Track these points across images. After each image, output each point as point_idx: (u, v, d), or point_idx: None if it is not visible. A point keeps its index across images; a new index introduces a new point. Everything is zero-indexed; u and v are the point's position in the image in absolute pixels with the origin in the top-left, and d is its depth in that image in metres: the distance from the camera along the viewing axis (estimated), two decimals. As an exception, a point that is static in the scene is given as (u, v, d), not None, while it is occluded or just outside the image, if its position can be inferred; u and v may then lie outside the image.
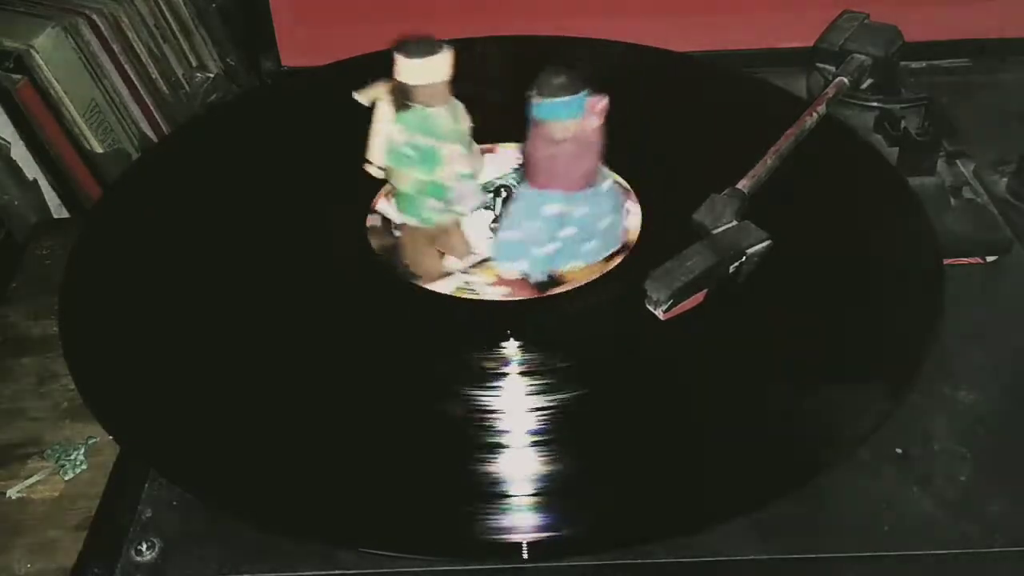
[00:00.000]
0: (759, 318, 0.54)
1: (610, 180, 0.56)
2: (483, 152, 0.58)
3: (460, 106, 0.53)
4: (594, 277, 0.55)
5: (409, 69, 0.51)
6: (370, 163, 0.54)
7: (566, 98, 0.51)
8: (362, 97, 0.53)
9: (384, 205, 0.60)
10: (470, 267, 0.57)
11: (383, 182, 0.56)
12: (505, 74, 0.54)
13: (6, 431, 0.59)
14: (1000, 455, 0.50)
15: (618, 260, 0.56)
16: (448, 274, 0.56)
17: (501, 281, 0.56)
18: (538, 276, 0.55)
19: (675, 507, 0.46)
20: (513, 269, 0.56)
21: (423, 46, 0.51)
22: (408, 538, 0.45)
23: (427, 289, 0.55)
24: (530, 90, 0.51)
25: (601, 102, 0.52)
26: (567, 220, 0.54)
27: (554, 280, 0.55)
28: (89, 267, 0.59)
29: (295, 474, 0.47)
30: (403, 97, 0.52)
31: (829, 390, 0.50)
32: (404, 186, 0.54)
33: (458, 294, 0.55)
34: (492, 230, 0.59)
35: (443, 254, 0.57)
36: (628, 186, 0.61)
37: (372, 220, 0.60)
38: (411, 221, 0.55)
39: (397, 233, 0.58)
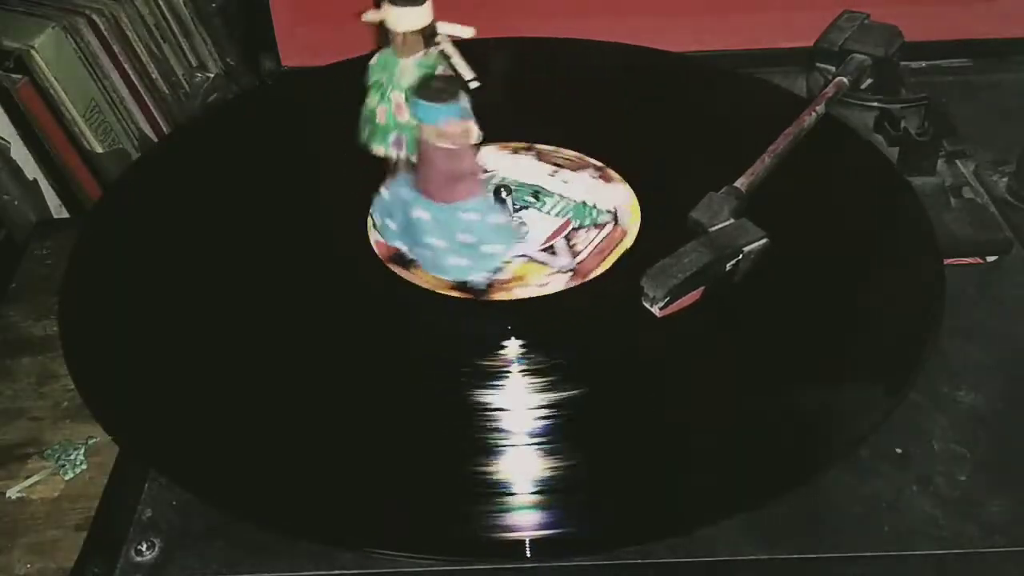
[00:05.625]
0: (758, 317, 0.54)
1: (480, 216, 0.54)
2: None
3: (443, 73, 0.54)
4: (430, 287, 0.55)
5: (386, 9, 0.53)
6: None
7: (424, 101, 0.51)
8: (366, 15, 0.55)
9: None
10: None
11: (382, 177, 0.57)
12: (503, 76, 0.54)
13: (6, 431, 0.59)
14: (1000, 455, 0.50)
15: (460, 295, 0.55)
16: None
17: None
18: (405, 251, 0.57)
19: (674, 506, 0.46)
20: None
21: None
22: (408, 538, 0.45)
23: (427, 290, 0.55)
24: None
25: (450, 125, 0.51)
26: (409, 214, 0.55)
27: (406, 263, 0.57)
28: (89, 267, 0.59)
29: (295, 474, 0.47)
30: (387, 34, 0.54)
31: (829, 390, 0.51)
32: (365, 102, 0.57)
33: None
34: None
35: None
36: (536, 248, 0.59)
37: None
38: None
39: None
